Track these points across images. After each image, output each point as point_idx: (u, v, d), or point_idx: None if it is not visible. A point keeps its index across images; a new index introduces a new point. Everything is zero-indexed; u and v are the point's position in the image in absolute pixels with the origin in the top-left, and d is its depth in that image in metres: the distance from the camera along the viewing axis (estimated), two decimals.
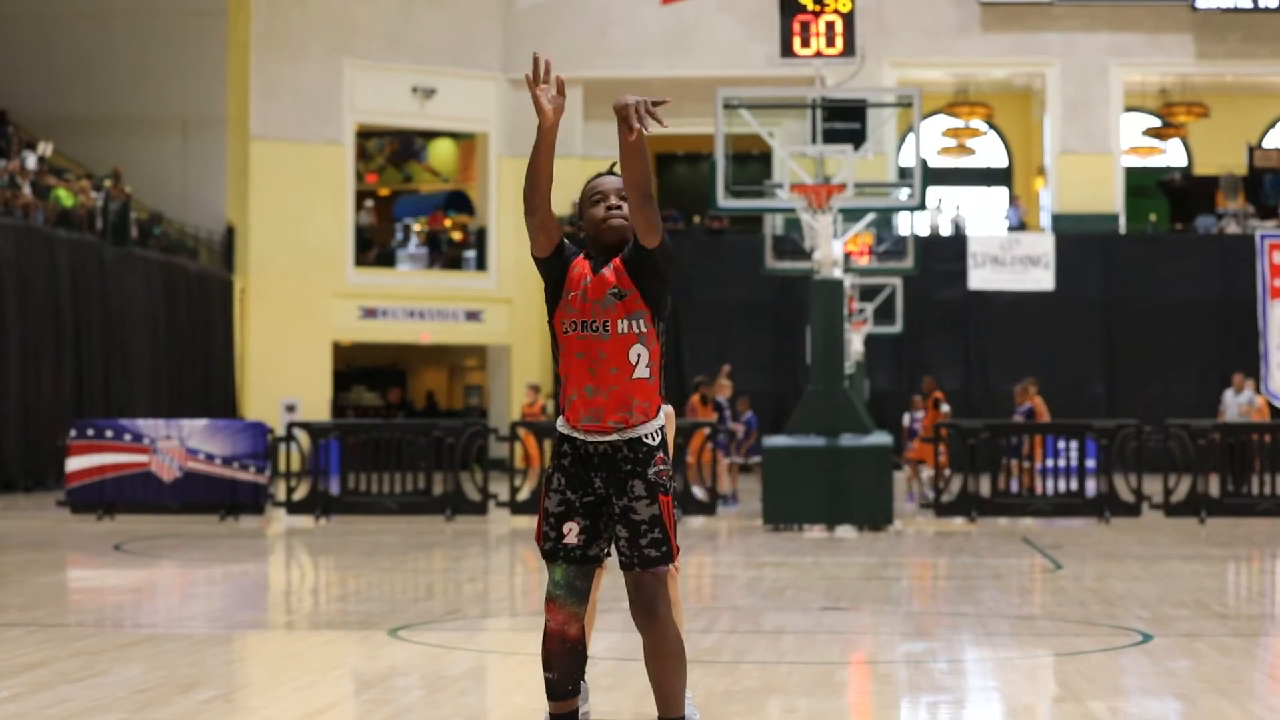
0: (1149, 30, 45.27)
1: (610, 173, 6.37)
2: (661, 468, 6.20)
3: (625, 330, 6.12)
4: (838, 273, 23.43)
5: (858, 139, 24.47)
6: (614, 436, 6.15)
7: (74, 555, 18.39)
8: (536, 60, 6.13)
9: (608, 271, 6.18)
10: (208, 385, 39.32)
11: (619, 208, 6.22)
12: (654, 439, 6.20)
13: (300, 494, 24.30)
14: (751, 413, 30.38)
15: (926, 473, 27.45)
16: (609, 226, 6.21)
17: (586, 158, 44.59)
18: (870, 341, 38.68)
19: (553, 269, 6.23)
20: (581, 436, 6.18)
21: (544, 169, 6.11)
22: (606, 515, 6.22)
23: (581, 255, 6.26)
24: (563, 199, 44.21)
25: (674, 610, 7.15)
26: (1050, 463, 24.70)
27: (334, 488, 24.39)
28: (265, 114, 42.61)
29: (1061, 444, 24.74)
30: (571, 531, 6.22)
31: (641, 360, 6.14)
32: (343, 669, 9.96)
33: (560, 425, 6.28)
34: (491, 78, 45.22)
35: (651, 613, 6.16)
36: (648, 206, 6.05)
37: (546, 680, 6.34)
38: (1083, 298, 43.09)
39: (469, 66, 44.96)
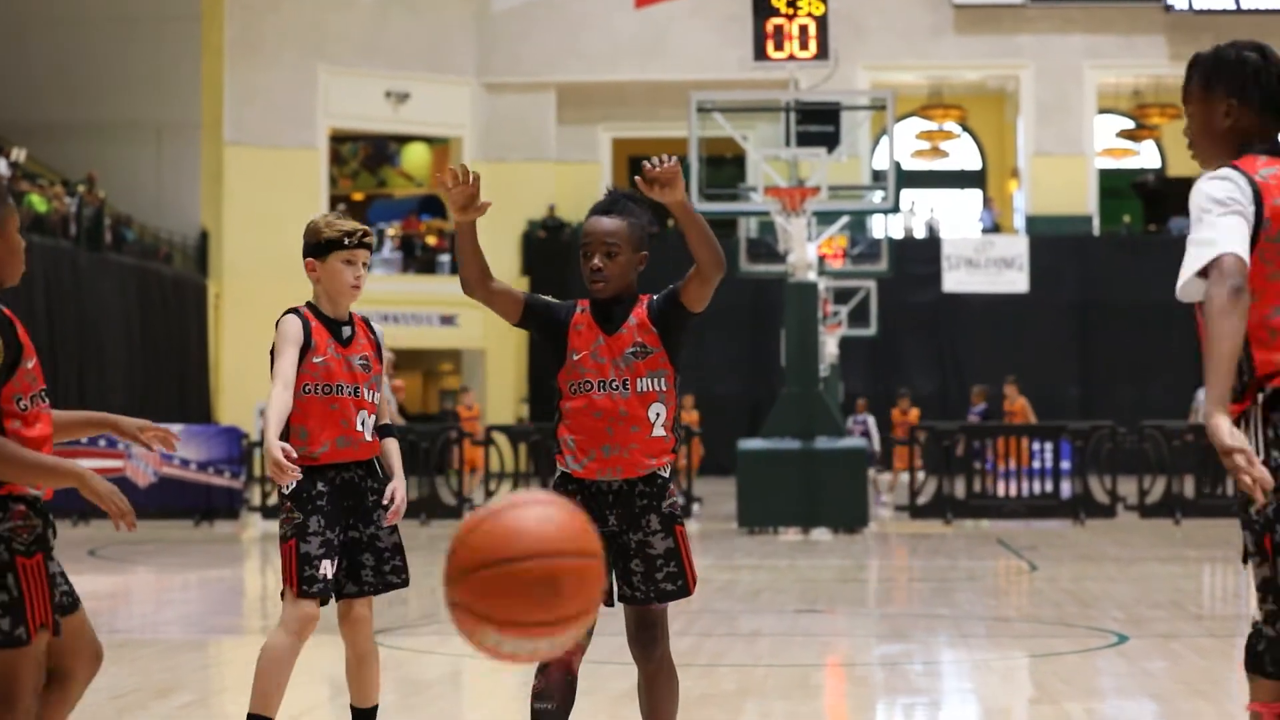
0: (1122, 32, 45.36)
1: (607, 212, 6.00)
2: (675, 499, 6.01)
3: (646, 389, 5.89)
4: (812, 276, 23.44)
5: (831, 142, 24.42)
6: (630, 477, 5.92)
7: None
8: (463, 169, 6.02)
9: (626, 329, 5.92)
10: (182, 390, 39.22)
11: (602, 270, 5.92)
12: (666, 471, 6.05)
13: (275, 499, 24.25)
14: None
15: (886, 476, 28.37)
16: (594, 290, 5.95)
17: (560, 161, 44.65)
18: (845, 344, 38.71)
19: (545, 330, 6.00)
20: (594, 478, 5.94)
21: (467, 259, 6.02)
22: (613, 552, 5.90)
23: (581, 311, 5.98)
24: (539, 202, 44.34)
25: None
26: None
27: None
28: (239, 119, 42.54)
29: (1036, 446, 24.78)
30: None
31: (660, 419, 5.90)
32: (318, 674, 9.94)
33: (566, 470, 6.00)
34: (465, 82, 45.18)
35: (653, 646, 6.02)
36: (715, 281, 5.85)
37: (541, 712, 6.00)
38: (1057, 300, 43.15)
39: (443, 71, 44.91)
